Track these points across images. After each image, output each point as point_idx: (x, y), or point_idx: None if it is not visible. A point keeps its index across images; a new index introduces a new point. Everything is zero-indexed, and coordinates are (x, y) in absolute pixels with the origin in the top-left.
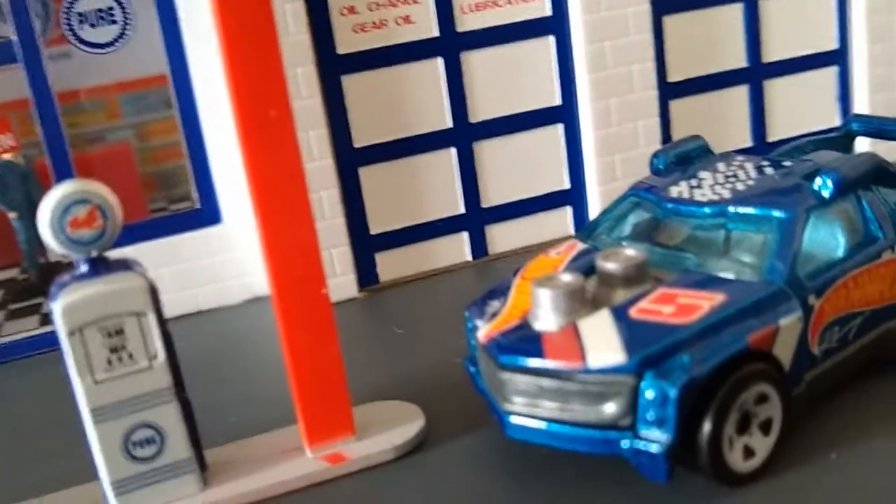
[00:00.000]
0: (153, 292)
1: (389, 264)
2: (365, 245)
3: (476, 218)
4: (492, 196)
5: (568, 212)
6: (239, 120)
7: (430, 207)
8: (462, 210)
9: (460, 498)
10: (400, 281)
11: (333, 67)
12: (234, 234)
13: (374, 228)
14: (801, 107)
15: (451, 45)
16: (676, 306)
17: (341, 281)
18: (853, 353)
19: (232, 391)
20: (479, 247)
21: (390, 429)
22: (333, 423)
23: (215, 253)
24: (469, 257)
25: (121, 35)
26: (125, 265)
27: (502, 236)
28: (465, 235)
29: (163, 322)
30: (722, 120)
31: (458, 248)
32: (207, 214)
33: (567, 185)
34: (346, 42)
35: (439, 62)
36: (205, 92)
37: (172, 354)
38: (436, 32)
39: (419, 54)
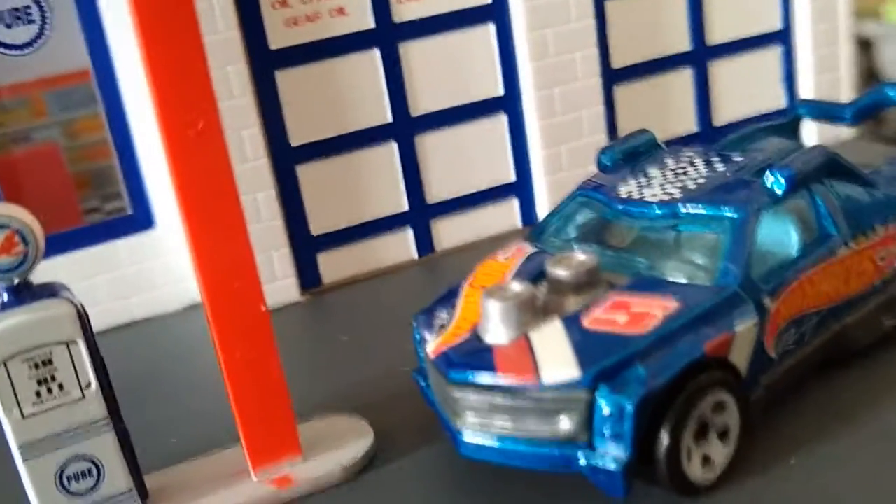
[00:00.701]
0: (82, 318)
1: (332, 265)
2: (306, 246)
3: (420, 214)
4: (436, 191)
5: (515, 204)
6: (164, 132)
7: (373, 205)
8: (406, 206)
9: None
10: (344, 282)
11: (266, 64)
12: (168, 239)
13: (315, 229)
14: (747, 89)
15: (388, 36)
16: (630, 315)
17: (282, 284)
18: (810, 352)
19: (172, 408)
20: (424, 243)
21: (338, 447)
22: (278, 443)
23: (149, 259)
24: (415, 254)
25: (39, 34)
26: (51, 291)
27: (448, 232)
28: (409, 232)
29: (94, 348)
30: (667, 105)
31: (403, 245)
32: (139, 219)
33: (513, 177)
34: (279, 37)
35: (376, 54)
36: (132, 89)
37: (106, 381)
38: (371, 24)
39: (355, 47)
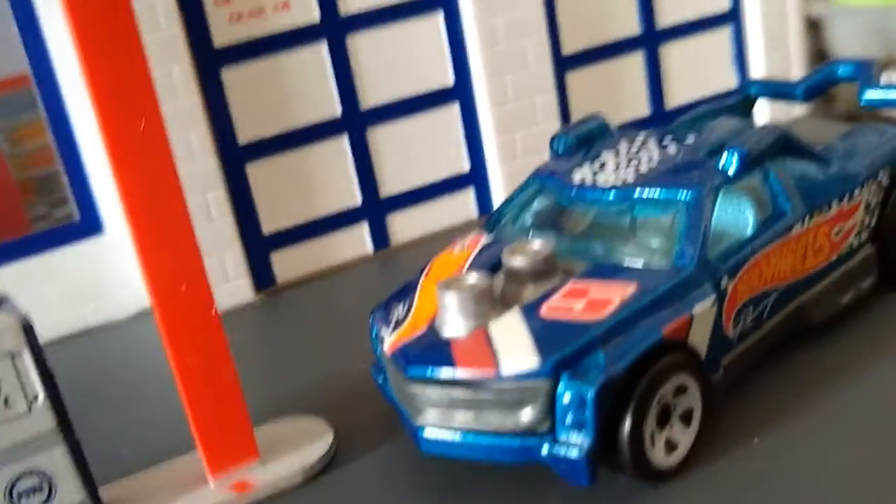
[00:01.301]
0: (27, 329)
1: (286, 263)
2: (258, 245)
3: (375, 208)
4: (390, 184)
5: (470, 194)
6: (105, 134)
7: (326, 200)
8: (359, 201)
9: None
10: (299, 280)
11: (211, 61)
12: (118, 243)
13: (267, 227)
14: (698, 70)
15: (334, 28)
16: (587, 302)
17: (235, 285)
18: (769, 332)
19: (126, 417)
20: (380, 238)
21: (297, 449)
22: (235, 448)
23: (100, 265)
24: (370, 250)
25: None
26: None
27: (404, 225)
28: (364, 227)
29: (41, 360)
30: (619, 90)
31: (358, 240)
32: (88, 225)
33: (467, 167)
34: (223, 33)
35: (323, 48)
36: (74, 94)
37: (55, 393)
38: (317, 17)
39: (301, 41)
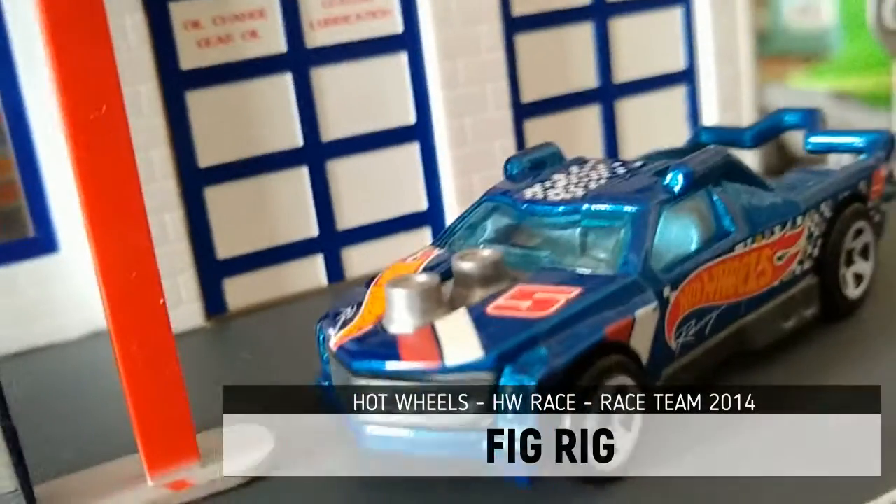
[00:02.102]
0: None
1: (239, 290)
2: (212, 270)
3: (331, 240)
4: (347, 217)
5: (427, 232)
6: (65, 115)
7: (282, 230)
8: (316, 232)
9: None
10: (251, 308)
11: (177, 83)
12: (72, 264)
13: (222, 253)
14: (653, 126)
15: (300, 60)
16: (533, 301)
17: (187, 309)
18: (711, 348)
19: (71, 427)
20: (334, 270)
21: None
22: (176, 447)
23: (52, 284)
24: (324, 281)
25: None
26: None
27: (359, 259)
28: (319, 258)
29: None
30: (576, 139)
31: (312, 271)
32: (43, 242)
33: (425, 205)
34: (191, 57)
35: (288, 78)
36: (39, 113)
37: None
38: (284, 48)
39: (267, 70)
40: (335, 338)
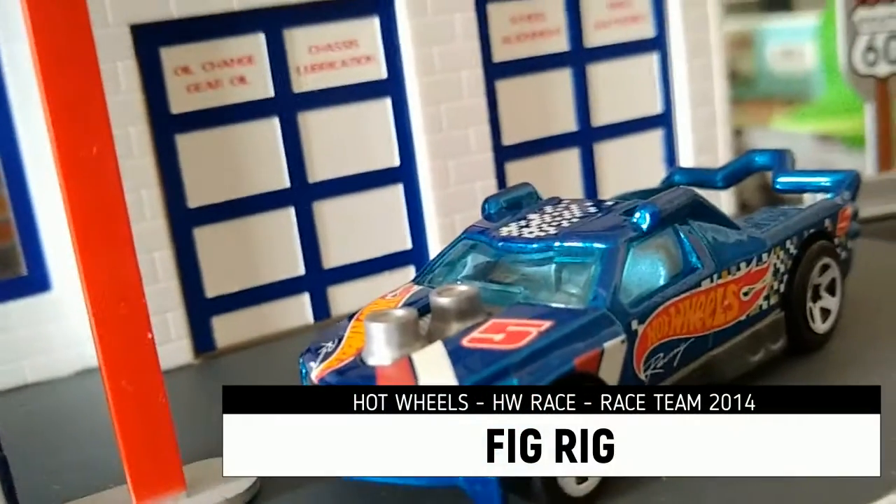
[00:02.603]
0: None
1: (227, 328)
2: (200, 309)
3: (317, 279)
4: (333, 257)
5: (411, 271)
6: (58, 154)
7: (270, 269)
8: (302, 271)
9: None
10: (238, 346)
11: (167, 126)
12: (64, 302)
13: (211, 291)
14: (630, 168)
15: (287, 105)
16: (506, 334)
17: (176, 346)
18: (678, 380)
19: (61, 460)
20: (320, 308)
21: (223, 482)
22: (163, 477)
23: (44, 322)
24: (311, 319)
25: None
26: None
27: (345, 297)
28: (305, 297)
29: None
30: (555, 181)
31: (298, 310)
32: (36, 281)
33: (409, 244)
34: (180, 101)
35: (276, 122)
36: (34, 154)
37: None
38: (271, 93)
39: (255, 114)
40: (316, 370)
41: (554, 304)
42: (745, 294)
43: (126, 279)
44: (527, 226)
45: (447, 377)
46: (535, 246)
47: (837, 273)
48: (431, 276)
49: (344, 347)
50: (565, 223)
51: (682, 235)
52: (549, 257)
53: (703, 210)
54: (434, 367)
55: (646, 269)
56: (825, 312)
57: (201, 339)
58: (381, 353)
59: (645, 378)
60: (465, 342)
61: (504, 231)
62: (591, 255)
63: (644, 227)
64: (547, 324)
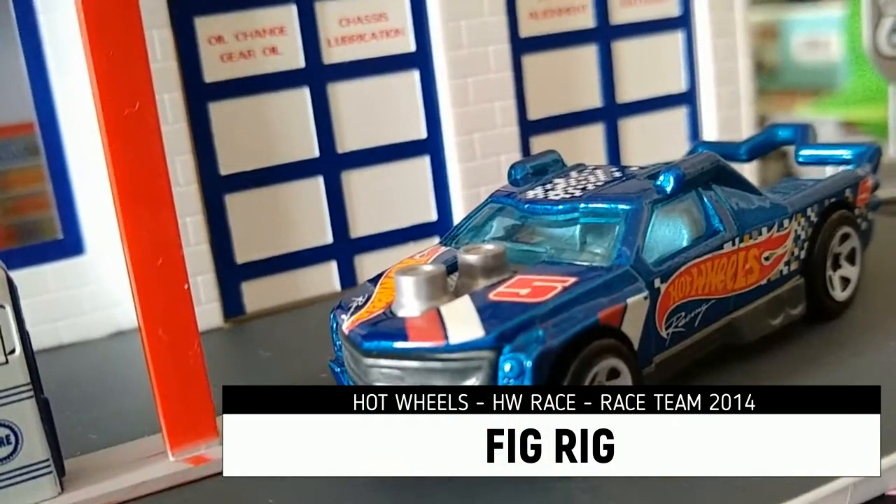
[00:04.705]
0: (10, 285)
1: (256, 294)
2: (231, 274)
3: (344, 248)
4: (361, 226)
5: (436, 242)
6: (102, 111)
7: (298, 237)
8: (330, 240)
9: (320, 493)
10: (267, 311)
11: (200, 94)
12: (98, 265)
13: (241, 257)
14: (654, 145)
15: (317, 76)
16: (532, 288)
17: (206, 309)
18: (700, 339)
19: (98, 413)
20: (347, 277)
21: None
22: (196, 425)
23: (78, 285)
24: (338, 287)
25: None
26: None
27: (371, 266)
28: (333, 265)
29: (19, 316)
30: (579, 156)
31: (326, 277)
32: (70, 244)
33: (434, 216)
34: (214, 70)
35: (306, 92)
36: (71, 123)
37: (30, 350)
38: (302, 63)
39: (286, 84)
40: (347, 322)
41: (579, 263)
42: (767, 259)
43: (164, 230)
44: (552, 189)
45: (474, 326)
46: (560, 207)
47: (857, 243)
48: (458, 237)
49: (374, 301)
50: (590, 186)
51: (706, 199)
52: (574, 218)
53: (726, 175)
54: (461, 317)
55: (669, 231)
56: (845, 281)
57: (231, 303)
58: (410, 305)
59: (666, 335)
60: (491, 296)
61: (530, 194)
62: (616, 216)
63: (668, 189)
64: (572, 279)
